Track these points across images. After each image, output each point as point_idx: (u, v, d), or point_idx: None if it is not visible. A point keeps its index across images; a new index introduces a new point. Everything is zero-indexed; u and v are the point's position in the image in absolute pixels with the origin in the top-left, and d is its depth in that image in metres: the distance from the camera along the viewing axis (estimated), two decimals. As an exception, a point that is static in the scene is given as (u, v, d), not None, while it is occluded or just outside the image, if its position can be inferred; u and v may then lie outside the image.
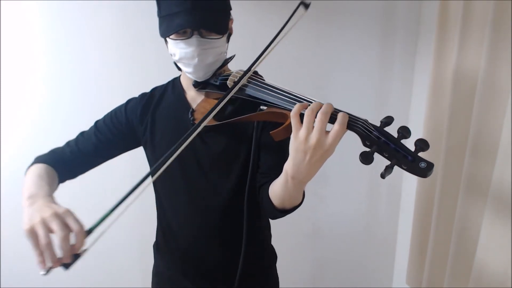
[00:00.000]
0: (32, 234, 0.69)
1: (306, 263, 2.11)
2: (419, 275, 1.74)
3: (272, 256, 1.19)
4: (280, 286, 1.21)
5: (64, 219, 0.71)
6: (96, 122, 1.08)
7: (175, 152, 0.76)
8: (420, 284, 1.73)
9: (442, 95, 1.54)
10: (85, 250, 0.71)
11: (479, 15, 1.32)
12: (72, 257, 0.70)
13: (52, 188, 0.91)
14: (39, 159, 1.02)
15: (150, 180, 0.76)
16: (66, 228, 0.70)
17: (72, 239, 0.70)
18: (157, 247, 1.18)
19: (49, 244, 0.68)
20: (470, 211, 1.35)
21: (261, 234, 1.14)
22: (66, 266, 0.70)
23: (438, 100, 1.55)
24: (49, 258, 0.68)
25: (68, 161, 1.04)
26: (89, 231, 0.72)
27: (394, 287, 2.18)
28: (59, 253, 0.69)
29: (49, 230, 0.69)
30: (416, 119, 1.86)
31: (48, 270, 0.69)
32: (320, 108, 0.66)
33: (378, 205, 2.06)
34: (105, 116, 1.08)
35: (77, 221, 0.71)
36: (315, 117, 0.66)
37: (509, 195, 1.15)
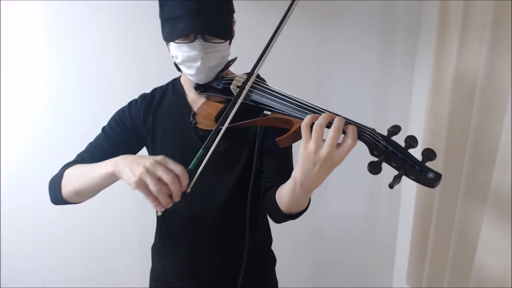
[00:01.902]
0: (142, 184, 0.73)
1: (306, 263, 2.11)
2: (419, 275, 1.74)
3: (272, 260, 1.19)
4: (280, 287, 1.21)
5: (165, 164, 0.74)
6: (103, 129, 1.07)
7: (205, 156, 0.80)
8: (420, 284, 1.73)
9: (442, 95, 1.54)
10: (189, 186, 0.77)
11: (479, 15, 1.32)
12: (181, 195, 0.75)
13: None
14: (63, 169, 0.97)
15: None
16: (170, 171, 0.73)
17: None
18: (155, 249, 1.17)
19: (161, 189, 0.72)
20: (470, 211, 1.35)
21: (262, 238, 1.13)
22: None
23: (438, 100, 1.55)
24: (163, 201, 0.73)
25: None
26: (189, 171, 0.77)
27: (394, 287, 2.18)
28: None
29: (155, 177, 0.72)
30: (416, 119, 1.85)
31: (163, 211, 0.76)
32: (328, 121, 0.66)
33: (378, 205, 2.06)
34: (109, 121, 1.07)
35: (176, 163, 0.75)
36: (323, 130, 0.65)
37: (509, 195, 1.15)
